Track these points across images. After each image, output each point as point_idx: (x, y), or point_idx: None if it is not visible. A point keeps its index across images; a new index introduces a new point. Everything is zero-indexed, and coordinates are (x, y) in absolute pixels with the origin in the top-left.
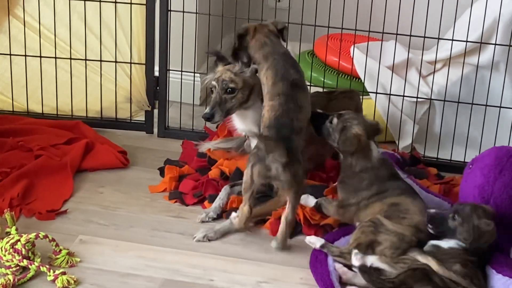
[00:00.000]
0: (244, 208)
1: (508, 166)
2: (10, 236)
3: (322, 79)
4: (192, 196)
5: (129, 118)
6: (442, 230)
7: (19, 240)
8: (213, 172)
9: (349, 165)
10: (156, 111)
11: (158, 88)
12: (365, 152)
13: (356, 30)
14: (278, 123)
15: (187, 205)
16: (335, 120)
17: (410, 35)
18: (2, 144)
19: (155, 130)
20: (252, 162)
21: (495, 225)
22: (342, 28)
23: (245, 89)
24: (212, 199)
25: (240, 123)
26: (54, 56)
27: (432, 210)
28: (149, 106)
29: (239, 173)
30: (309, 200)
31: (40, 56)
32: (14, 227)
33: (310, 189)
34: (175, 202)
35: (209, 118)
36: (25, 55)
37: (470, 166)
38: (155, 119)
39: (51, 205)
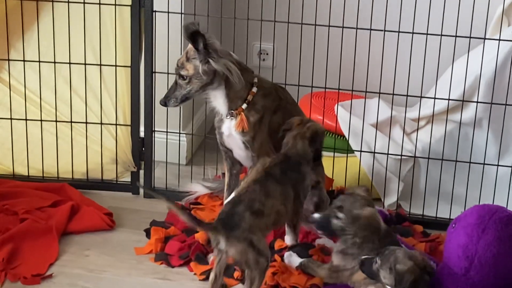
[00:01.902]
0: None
1: (491, 224)
2: None
3: None
4: (178, 257)
5: (115, 179)
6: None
7: None
8: (200, 233)
9: (355, 240)
10: (142, 172)
11: (143, 149)
12: (375, 232)
13: (339, 89)
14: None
15: (173, 267)
16: (339, 214)
17: (393, 94)
18: None
19: (141, 191)
20: None
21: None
22: (326, 88)
23: (198, 76)
24: (198, 260)
25: (215, 101)
26: (39, 119)
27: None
28: (134, 167)
29: None
30: (292, 259)
31: (26, 119)
32: None
33: (298, 248)
34: (161, 264)
35: (163, 104)
36: (11, 118)
37: (453, 225)
38: (141, 180)
39: (36, 269)
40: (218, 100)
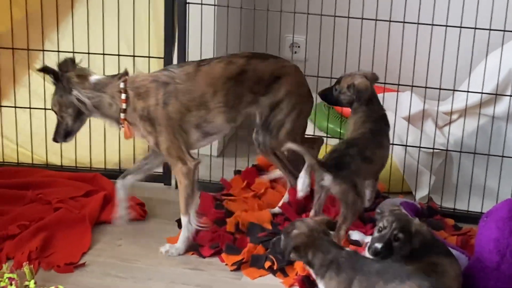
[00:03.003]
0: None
1: None
2: None
3: (339, 130)
4: (209, 247)
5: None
6: None
7: None
8: (230, 224)
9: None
10: None
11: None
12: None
13: None
14: None
15: (204, 257)
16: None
17: (426, 87)
18: (22, 197)
19: (173, 181)
20: None
21: None
22: None
23: (63, 110)
24: (229, 250)
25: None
26: None
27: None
28: None
29: (255, 226)
30: None
31: None
32: (32, 281)
33: None
34: (193, 254)
35: (54, 141)
36: (45, 108)
37: (485, 218)
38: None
39: (69, 258)
40: (104, 121)
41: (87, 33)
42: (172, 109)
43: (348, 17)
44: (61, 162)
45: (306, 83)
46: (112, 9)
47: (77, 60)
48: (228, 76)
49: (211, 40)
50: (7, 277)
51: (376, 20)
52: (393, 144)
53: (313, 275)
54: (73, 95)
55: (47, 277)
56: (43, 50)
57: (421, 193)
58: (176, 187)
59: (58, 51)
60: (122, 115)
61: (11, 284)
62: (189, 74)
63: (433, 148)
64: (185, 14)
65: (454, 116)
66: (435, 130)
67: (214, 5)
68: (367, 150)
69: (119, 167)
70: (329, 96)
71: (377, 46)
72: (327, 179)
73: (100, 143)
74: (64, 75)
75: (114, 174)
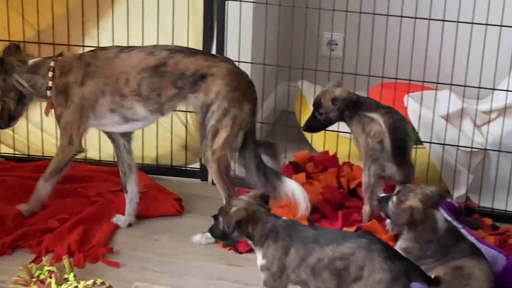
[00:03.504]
0: (365, 207)
1: None
2: (68, 282)
3: None
4: (246, 243)
5: (185, 166)
6: None
7: (77, 287)
8: None
9: (414, 238)
10: None
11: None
12: (429, 224)
13: (410, 80)
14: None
15: (241, 253)
16: (394, 198)
17: (465, 85)
18: (61, 191)
19: (210, 177)
20: (368, 163)
21: None
22: (396, 78)
23: (5, 93)
24: None
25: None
26: None
27: None
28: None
29: None
30: None
31: None
32: (72, 274)
33: None
34: (229, 249)
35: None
36: None
37: None
38: None
39: (107, 252)
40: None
41: (127, 29)
42: (88, 90)
43: (387, 15)
44: (100, 157)
45: (240, 88)
46: (152, 5)
47: (21, 46)
48: (144, 66)
49: (249, 36)
50: (46, 270)
51: (415, 18)
52: (431, 142)
53: (253, 247)
54: (13, 78)
55: (85, 271)
56: (83, 46)
57: (459, 192)
58: (213, 182)
59: (98, 47)
60: (48, 93)
61: (50, 277)
62: (109, 58)
63: (471, 147)
64: (224, 10)
65: (493, 115)
66: (474, 129)
67: (253, 1)
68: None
69: (157, 162)
70: (315, 124)
71: (416, 44)
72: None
73: (138, 138)
74: (6, 59)
75: (152, 169)
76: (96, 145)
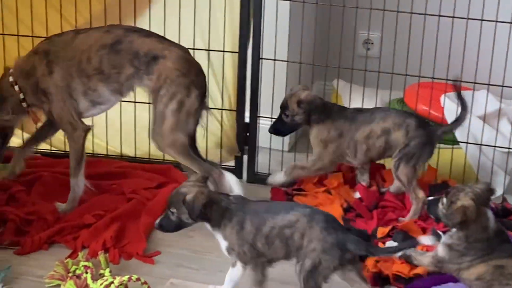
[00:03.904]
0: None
1: None
2: (104, 278)
3: None
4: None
5: (219, 163)
6: None
7: (112, 282)
8: None
9: (464, 236)
10: (245, 157)
11: (248, 134)
12: (481, 222)
13: (447, 79)
14: None
15: None
16: (444, 200)
17: (503, 86)
18: (97, 187)
19: (244, 175)
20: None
21: None
22: (433, 78)
23: None
24: None
25: None
26: (148, 101)
27: None
28: (239, 152)
29: None
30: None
31: (135, 102)
32: (108, 269)
33: (401, 236)
34: None
35: None
36: (120, 100)
37: None
38: (245, 165)
39: (142, 248)
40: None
41: (163, 27)
42: (58, 77)
43: (425, 14)
44: (135, 154)
45: (190, 74)
46: (189, 3)
47: None
48: (102, 44)
49: (286, 35)
50: (82, 265)
51: (453, 17)
52: (467, 143)
53: (211, 230)
54: None
55: (121, 266)
56: None
57: (496, 193)
58: (247, 181)
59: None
60: (24, 104)
61: (86, 272)
62: (67, 41)
63: (509, 148)
64: (261, 9)
65: None
66: (511, 129)
67: (290, 0)
68: None
69: None
70: (281, 127)
71: (454, 43)
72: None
73: None
74: None
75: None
76: (132, 142)
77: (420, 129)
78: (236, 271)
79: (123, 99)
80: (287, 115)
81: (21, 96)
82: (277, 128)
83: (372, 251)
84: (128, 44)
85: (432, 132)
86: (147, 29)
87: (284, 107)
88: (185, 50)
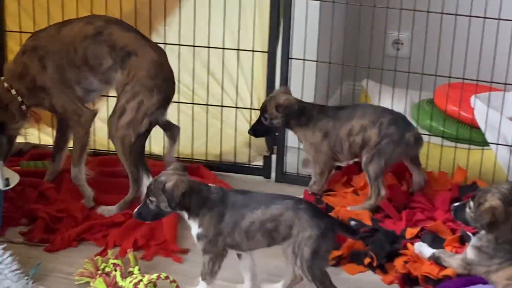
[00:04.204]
0: None
1: None
2: (133, 276)
3: (442, 129)
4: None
5: (248, 163)
6: None
7: (141, 280)
8: None
9: (493, 237)
10: (274, 157)
11: (276, 133)
12: (510, 223)
13: (477, 80)
14: None
15: None
16: (470, 203)
17: None
18: (126, 186)
19: (273, 175)
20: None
21: None
22: (464, 79)
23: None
24: None
25: None
26: (177, 101)
27: None
28: (267, 151)
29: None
30: (423, 250)
31: None
32: (137, 267)
33: (430, 237)
34: None
35: None
36: None
37: None
38: (273, 164)
39: (171, 247)
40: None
41: (193, 26)
42: (51, 70)
43: (456, 15)
44: (163, 152)
45: (157, 78)
46: (218, 3)
47: None
48: (84, 34)
49: (315, 35)
50: (112, 263)
51: (485, 18)
52: (497, 144)
53: (187, 218)
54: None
55: (150, 264)
56: None
57: None
58: (276, 180)
59: (165, 43)
60: (23, 107)
61: (115, 270)
62: (52, 35)
63: None
64: (290, 8)
65: None
66: None
67: (320, 0)
68: None
69: (220, 159)
70: (260, 129)
71: (484, 44)
72: None
73: (202, 135)
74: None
75: (215, 166)
76: (161, 142)
77: (392, 127)
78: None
79: None
80: (266, 118)
81: (19, 99)
82: (256, 130)
83: (355, 234)
84: (107, 36)
85: (404, 132)
86: (177, 29)
87: (263, 110)
88: (161, 53)
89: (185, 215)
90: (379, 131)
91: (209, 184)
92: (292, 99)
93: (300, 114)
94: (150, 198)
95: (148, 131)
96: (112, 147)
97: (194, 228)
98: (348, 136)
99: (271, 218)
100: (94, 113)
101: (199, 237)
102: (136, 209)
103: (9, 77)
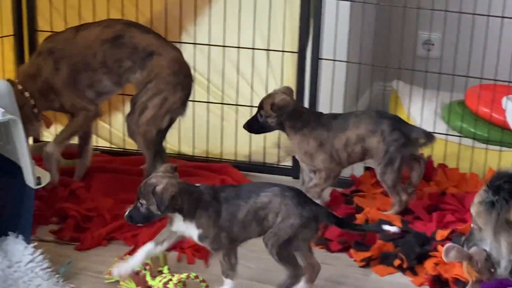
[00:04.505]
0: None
1: None
2: (162, 275)
3: (473, 130)
4: (338, 242)
5: (277, 163)
6: None
7: (171, 280)
8: (359, 220)
9: None
10: None
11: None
12: None
13: (510, 81)
14: None
15: (332, 252)
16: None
17: None
18: None
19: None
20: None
21: None
22: (496, 80)
23: None
24: (358, 246)
25: None
26: (206, 101)
27: None
28: None
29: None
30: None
31: (193, 101)
32: (166, 266)
33: (460, 239)
34: (321, 248)
35: None
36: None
37: None
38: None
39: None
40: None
41: (223, 27)
42: (64, 73)
43: (488, 15)
44: (193, 152)
45: (179, 75)
46: (249, 3)
47: None
48: (104, 38)
49: (346, 35)
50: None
51: None
52: None
53: (182, 221)
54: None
55: (179, 264)
56: (180, 42)
57: None
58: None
59: (195, 43)
60: (35, 110)
61: (145, 269)
62: (69, 38)
63: None
64: (321, 8)
65: None
66: None
67: (350, 0)
68: None
69: (249, 159)
70: (254, 125)
71: None
72: None
73: (231, 135)
74: None
75: (244, 166)
76: (190, 140)
77: (395, 132)
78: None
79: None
80: (261, 115)
81: (32, 102)
82: (250, 125)
83: (341, 224)
84: (129, 38)
85: (409, 134)
86: (207, 29)
87: (260, 106)
88: (179, 51)
89: (179, 217)
90: (383, 139)
91: (197, 184)
92: (288, 100)
93: (295, 118)
94: (141, 201)
95: (168, 127)
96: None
97: (192, 230)
98: (346, 147)
99: (262, 206)
100: (100, 113)
101: (201, 238)
102: (127, 212)
103: (23, 78)
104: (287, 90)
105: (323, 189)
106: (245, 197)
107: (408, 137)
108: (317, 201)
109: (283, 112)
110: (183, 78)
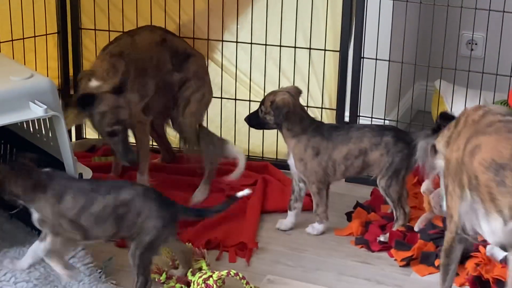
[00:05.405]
0: None
1: None
2: (202, 271)
3: None
4: (379, 242)
5: None
6: None
7: (211, 276)
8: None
9: None
10: None
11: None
12: None
13: None
14: None
15: (373, 251)
16: (262, 107)
17: None
18: (195, 184)
19: None
20: None
21: None
22: None
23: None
24: (399, 246)
25: None
26: (248, 99)
27: None
28: None
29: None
30: (495, 252)
31: (235, 99)
32: (205, 263)
33: None
34: (362, 247)
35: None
36: (221, 97)
37: None
38: None
39: (251, 245)
40: None
41: (265, 25)
42: (132, 76)
43: None
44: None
45: (208, 74)
46: (291, 2)
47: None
48: (156, 41)
49: (388, 34)
50: None
51: None
52: None
53: (23, 205)
54: None
55: (218, 261)
56: (222, 41)
57: None
58: (346, 180)
59: (237, 42)
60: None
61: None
62: (130, 43)
63: None
64: (363, 7)
65: None
66: None
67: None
68: None
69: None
70: (253, 119)
71: None
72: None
73: (273, 133)
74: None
75: (284, 164)
76: (232, 139)
77: (399, 143)
78: (43, 245)
79: (224, 96)
80: (261, 111)
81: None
82: (251, 119)
83: (202, 214)
84: (170, 42)
85: (412, 142)
86: (249, 28)
87: (262, 101)
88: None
89: (19, 202)
90: (387, 151)
91: (41, 169)
92: (288, 101)
93: (294, 122)
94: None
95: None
96: None
97: (34, 215)
98: (345, 160)
99: (122, 203)
100: (150, 122)
101: (39, 223)
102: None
103: (100, 74)
104: (294, 90)
105: (324, 205)
106: (103, 192)
107: (414, 146)
108: (326, 224)
109: (280, 113)
110: (209, 77)
